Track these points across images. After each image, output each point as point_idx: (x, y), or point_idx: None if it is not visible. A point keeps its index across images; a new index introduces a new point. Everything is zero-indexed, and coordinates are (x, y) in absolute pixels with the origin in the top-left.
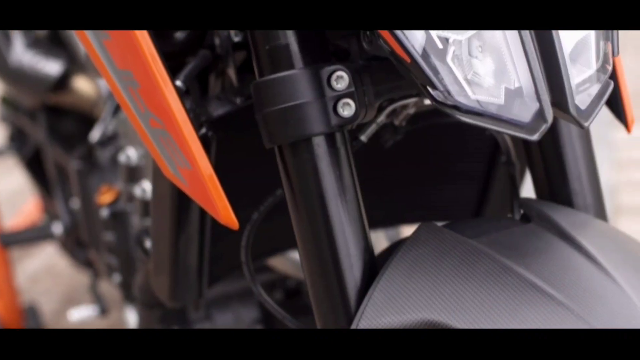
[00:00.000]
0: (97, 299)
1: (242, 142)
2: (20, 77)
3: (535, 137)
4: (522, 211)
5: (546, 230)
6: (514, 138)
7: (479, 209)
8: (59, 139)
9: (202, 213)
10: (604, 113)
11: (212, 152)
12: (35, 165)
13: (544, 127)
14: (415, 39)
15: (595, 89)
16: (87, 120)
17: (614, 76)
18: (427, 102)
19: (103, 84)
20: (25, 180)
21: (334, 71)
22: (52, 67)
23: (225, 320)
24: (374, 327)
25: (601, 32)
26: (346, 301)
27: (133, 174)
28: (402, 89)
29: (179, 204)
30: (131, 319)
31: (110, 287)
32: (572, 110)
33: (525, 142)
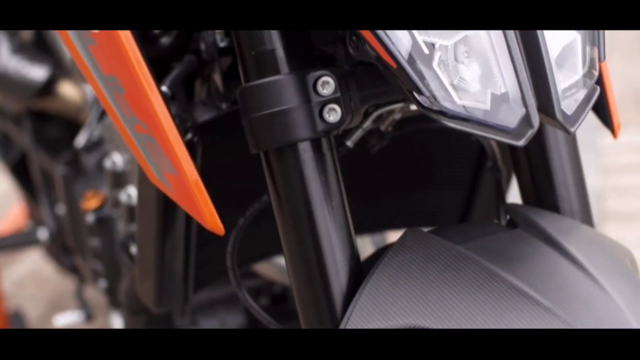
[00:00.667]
0: (83, 304)
1: (228, 147)
2: (5, 83)
3: (521, 142)
4: (508, 217)
5: (532, 235)
6: (500, 143)
7: (465, 215)
8: (44, 144)
9: (188, 218)
10: (591, 118)
11: (198, 158)
12: (20, 171)
13: (530, 133)
14: (401, 44)
15: (581, 94)
16: (73, 125)
17: (600, 81)
18: (413, 107)
19: (89, 89)
20: (10, 186)
21: (319, 76)
22: (37, 72)
23: (210, 325)
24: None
25: (587, 37)
26: (332, 307)
27: (119, 180)
28: (388, 94)
29: (165, 210)
30: (117, 324)
31: (95, 293)
32: (558, 115)
33: (512, 148)
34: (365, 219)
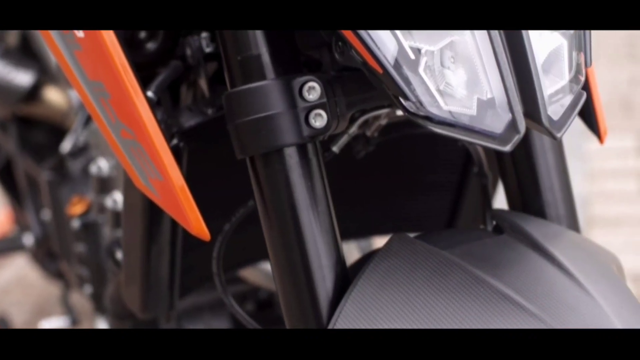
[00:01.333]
0: (68, 310)
1: (214, 152)
2: None
3: (507, 148)
4: (494, 222)
5: (518, 241)
6: (486, 149)
7: (451, 220)
8: (29, 149)
9: (174, 224)
10: (577, 124)
11: (184, 163)
12: (6, 176)
13: (516, 138)
14: (387, 49)
15: (567, 99)
16: (58, 131)
17: (586, 87)
18: (399, 113)
19: (74, 94)
20: None
21: (305, 82)
22: (23, 78)
23: None
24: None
25: (574, 42)
26: (318, 312)
27: (104, 185)
28: (374, 99)
29: (150, 215)
30: None
31: (81, 299)
32: (544, 121)
33: (498, 153)
34: (351, 225)
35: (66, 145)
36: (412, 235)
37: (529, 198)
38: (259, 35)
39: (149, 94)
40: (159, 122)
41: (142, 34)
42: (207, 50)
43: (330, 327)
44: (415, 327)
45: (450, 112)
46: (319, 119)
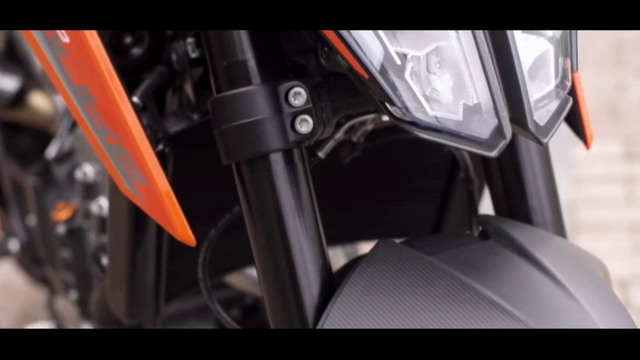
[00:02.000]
0: (54, 316)
1: (200, 158)
2: None
3: (493, 153)
4: (480, 228)
5: (505, 247)
6: (472, 154)
7: (437, 226)
8: (15, 155)
9: (159, 230)
10: (563, 129)
11: (169, 169)
12: None
13: (502, 144)
14: (373, 54)
15: (554, 105)
16: (44, 136)
17: (573, 92)
18: (385, 118)
19: (60, 100)
20: None
21: (291, 87)
22: (8, 83)
23: None
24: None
25: (560, 48)
26: (304, 318)
27: (90, 191)
28: (360, 105)
29: (136, 221)
30: None
31: (66, 304)
32: (530, 126)
33: (484, 159)
34: (337, 230)
35: (51, 151)
36: (398, 240)
37: (515, 203)
38: (244, 40)
39: (135, 99)
40: (145, 128)
41: (128, 39)
42: (193, 55)
43: None
44: None
45: (436, 117)
46: (304, 125)
